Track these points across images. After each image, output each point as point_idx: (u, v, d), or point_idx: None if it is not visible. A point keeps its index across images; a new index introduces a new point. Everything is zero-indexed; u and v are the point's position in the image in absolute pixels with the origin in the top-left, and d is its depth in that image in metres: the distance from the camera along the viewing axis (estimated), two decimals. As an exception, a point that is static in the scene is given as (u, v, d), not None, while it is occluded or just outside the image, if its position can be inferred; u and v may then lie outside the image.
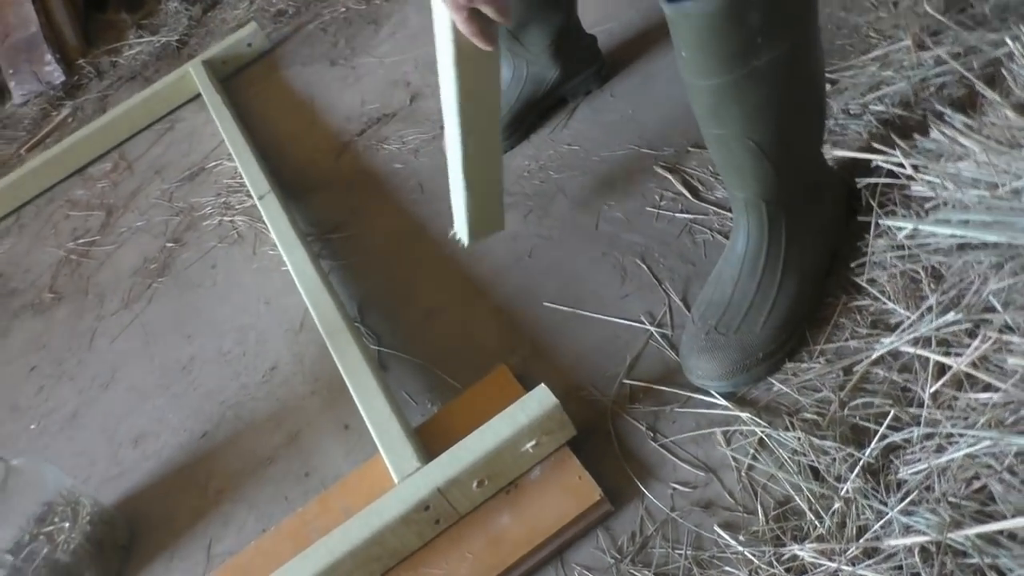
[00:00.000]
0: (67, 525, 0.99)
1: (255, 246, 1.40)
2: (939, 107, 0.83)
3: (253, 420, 1.11)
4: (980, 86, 0.75)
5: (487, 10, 0.81)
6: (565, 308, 1.02)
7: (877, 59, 1.05)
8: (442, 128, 1.41)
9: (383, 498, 0.83)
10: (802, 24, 0.77)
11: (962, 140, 0.70)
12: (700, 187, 1.07)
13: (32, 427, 1.30)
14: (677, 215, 1.05)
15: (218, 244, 1.45)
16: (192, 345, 1.28)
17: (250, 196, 1.49)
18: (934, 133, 0.76)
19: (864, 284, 0.84)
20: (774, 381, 0.83)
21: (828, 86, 1.06)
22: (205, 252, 1.45)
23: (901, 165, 0.77)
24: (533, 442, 0.83)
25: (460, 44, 0.86)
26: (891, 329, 0.80)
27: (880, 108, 1.00)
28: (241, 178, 1.56)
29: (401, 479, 0.84)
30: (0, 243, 1.81)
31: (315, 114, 1.64)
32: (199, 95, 1.86)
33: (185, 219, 1.56)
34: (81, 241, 1.66)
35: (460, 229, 1.08)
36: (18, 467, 0.97)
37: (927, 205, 0.78)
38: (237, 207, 1.51)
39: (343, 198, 1.39)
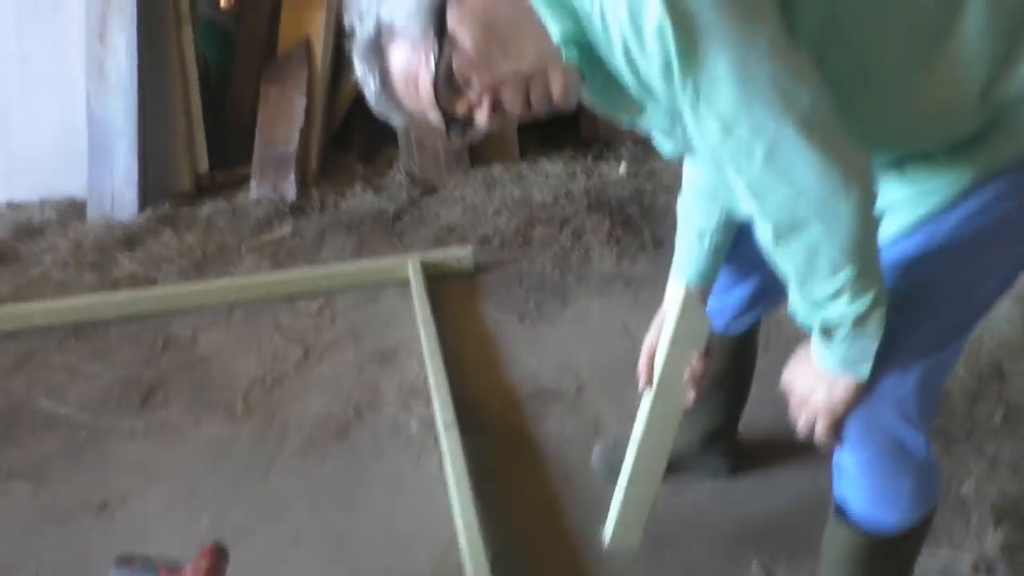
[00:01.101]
0: (237, 645, 1.30)
1: (421, 454, 1.76)
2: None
3: (387, 618, 1.42)
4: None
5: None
6: (652, 655, 1.33)
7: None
8: (599, 440, 1.77)
9: None
10: None
11: None
12: (779, 605, 1.40)
13: (205, 523, 1.63)
14: (755, 620, 1.38)
15: (391, 436, 1.81)
16: (350, 520, 1.61)
17: (428, 403, 1.86)
18: None
19: None
20: None
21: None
22: (379, 439, 1.81)
23: None
24: None
25: (666, 381, 1.23)
26: None
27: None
28: (424, 383, 1.94)
29: None
30: (209, 330, 2.20)
31: (497, 359, 2.03)
32: (408, 282, 2.28)
33: (368, 396, 1.93)
34: (278, 370, 2.04)
35: (607, 529, 1.44)
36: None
37: None
38: (415, 410, 1.88)
39: (501, 450, 1.75)
